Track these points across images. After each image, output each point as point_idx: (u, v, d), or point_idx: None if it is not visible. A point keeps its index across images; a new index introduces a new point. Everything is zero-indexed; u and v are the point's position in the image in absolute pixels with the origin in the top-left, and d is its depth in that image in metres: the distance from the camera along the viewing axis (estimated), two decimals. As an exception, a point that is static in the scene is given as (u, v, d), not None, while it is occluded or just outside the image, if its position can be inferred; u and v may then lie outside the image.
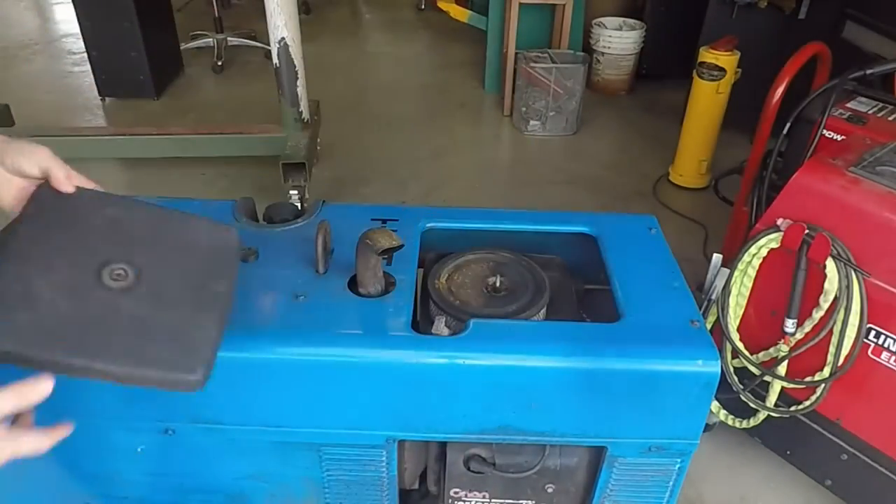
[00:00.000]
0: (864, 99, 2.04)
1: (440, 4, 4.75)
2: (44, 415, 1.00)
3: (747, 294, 1.73)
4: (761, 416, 1.83)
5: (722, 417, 1.92)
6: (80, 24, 4.12)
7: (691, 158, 3.47)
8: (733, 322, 1.75)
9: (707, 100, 3.28)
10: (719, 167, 3.46)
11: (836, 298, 1.56)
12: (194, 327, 0.94)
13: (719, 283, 1.69)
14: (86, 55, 4.24)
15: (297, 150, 3.12)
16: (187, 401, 1.24)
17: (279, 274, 1.32)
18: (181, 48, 4.79)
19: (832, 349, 1.61)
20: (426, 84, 4.81)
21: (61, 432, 0.84)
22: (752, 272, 1.70)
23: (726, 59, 3.17)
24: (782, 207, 1.66)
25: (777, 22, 3.54)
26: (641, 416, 1.26)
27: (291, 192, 3.00)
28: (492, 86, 4.56)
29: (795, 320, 1.65)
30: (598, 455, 1.35)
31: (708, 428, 1.98)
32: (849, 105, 2.02)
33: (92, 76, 4.31)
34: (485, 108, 4.50)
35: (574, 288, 1.51)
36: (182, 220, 1.06)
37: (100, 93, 4.35)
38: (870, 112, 1.99)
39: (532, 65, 3.88)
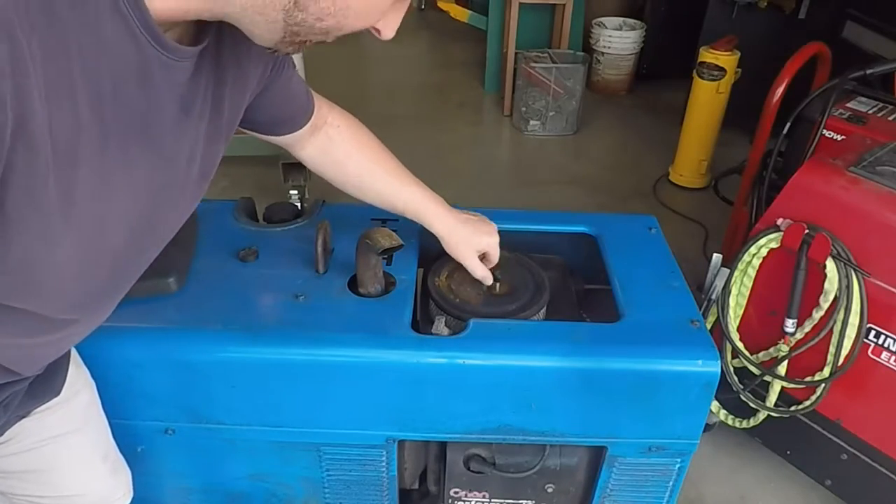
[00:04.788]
0: (864, 99, 2.04)
1: (440, 4, 4.76)
2: (44, 415, 0.99)
3: (747, 294, 1.73)
4: (761, 416, 1.83)
5: (722, 417, 1.92)
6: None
7: (691, 158, 3.46)
8: (733, 322, 1.75)
9: (707, 100, 3.28)
10: (719, 167, 3.46)
11: (836, 298, 1.56)
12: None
13: (719, 283, 1.69)
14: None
15: (297, 150, 3.10)
16: (187, 401, 1.24)
17: (279, 274, 1.32)
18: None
19: (832, 349, 1.60)
20: (426, 84, 4.81)
21: None
22: (752, 272, 1.70)
23: (726, 59, 3.17)
24: (782, 207, 1.66)
25: (777, 22, 3.54)
26: (641, 416, 1.26)
27: (291, 192, 3.00)
28: (492, 86, 4.55)
29: (795, 320, 1.65)
30: (598, 455, 1.35)
31: (708, 428, 1.98)
32: (849, 105, 2.01)
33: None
34: (485, 108, 4.50)
35: (574, 288, 1.51)
36: None
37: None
38: (870, 112, 1.99)
39: (532, 65, 3.88)
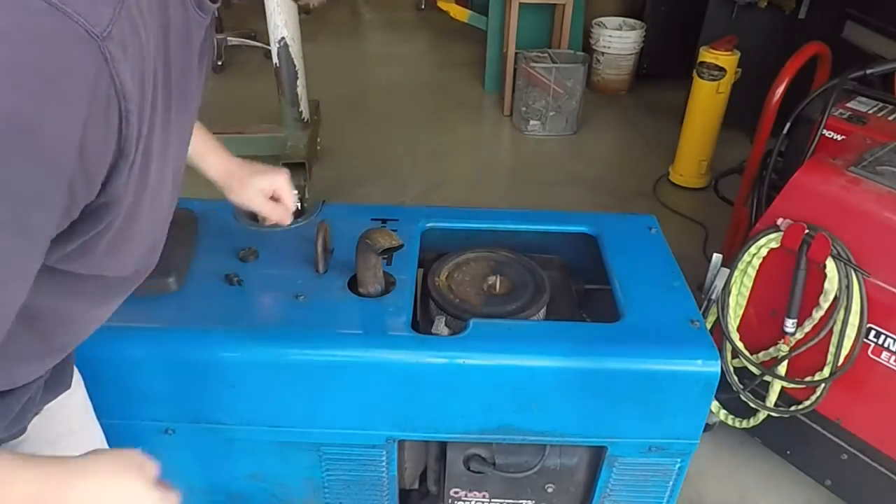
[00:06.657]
0: (864, 99, 2.04)
1: (440, 4, 4.75)
2: (44, 415, 0.99)
3: (747, 294, 1.73)
4: (761, 416, 1.83)
5: (722, 417, 1.92)
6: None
7: (691, 158, 3.46)
8: (733, 322, 1.75)
9: (707, 100, 3.28)
10: (719, 167, 3.45)
11: (836, 298, 1.56)
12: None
13: (719, 283, 1.69)
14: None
15: (297, 149, 3.11)
16: (187, 401, 1.24)
17: (279, 274, 1.32)
18: (181, 48, 4.78)
19: (832, 349, 1.60)
20: (426, 84, 4.80)
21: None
22: (752, 272, 1.70)
23: (726, 59, 3.17)
24: (782, 207, 1.66)
25: (777, 22, 3.54)
26: (641, 416, 1.26)
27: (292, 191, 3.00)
28: (492, 86, 4.55)
29: (795, 320, 1.65)
30: (598, 455, 1.35)
31: (708, 428, 1.98)
32: (849, 105, 2.01)
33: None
34: (485, 108, 4.50)
35: (574, 288, 1.51)
36: None
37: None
38: (870, 112, 1.99)
39: (532, 65, 3.88)
